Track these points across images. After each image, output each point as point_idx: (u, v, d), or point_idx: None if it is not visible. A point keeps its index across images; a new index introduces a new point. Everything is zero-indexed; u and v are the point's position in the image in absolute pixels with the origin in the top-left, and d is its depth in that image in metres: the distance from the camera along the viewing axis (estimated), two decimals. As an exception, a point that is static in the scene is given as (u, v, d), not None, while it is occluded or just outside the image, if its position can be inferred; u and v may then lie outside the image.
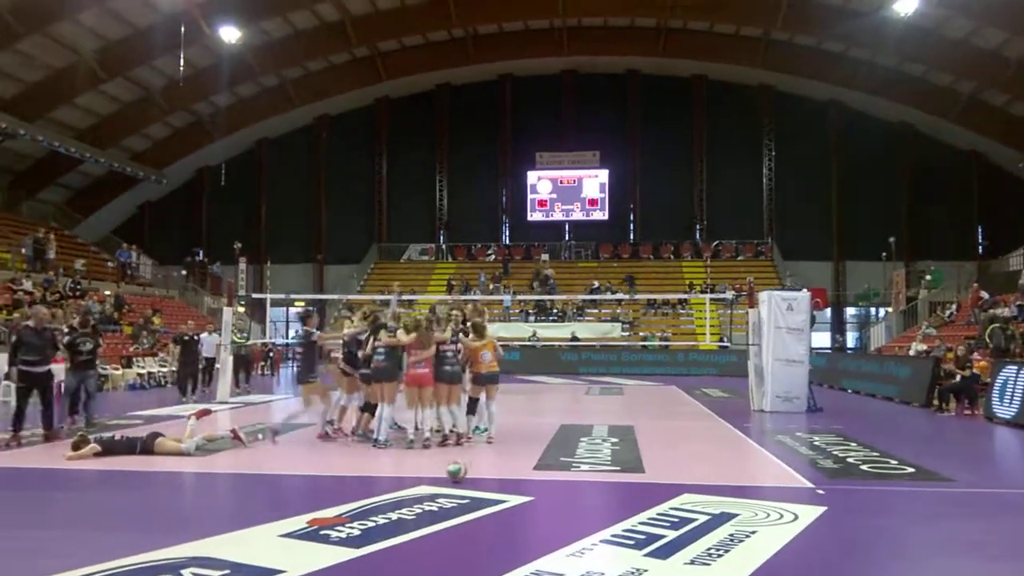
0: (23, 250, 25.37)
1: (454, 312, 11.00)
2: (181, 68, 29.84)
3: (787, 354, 14.63)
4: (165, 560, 4.93)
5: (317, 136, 40.55)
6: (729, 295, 21.24)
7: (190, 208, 41.13)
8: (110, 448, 9.03)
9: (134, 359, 21.75)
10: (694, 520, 6.11)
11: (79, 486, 7.85)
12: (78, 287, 25.45)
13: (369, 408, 10.26)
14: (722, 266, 36.44)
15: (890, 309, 33.52)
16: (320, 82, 37.40)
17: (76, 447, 8.92)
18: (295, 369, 10.98)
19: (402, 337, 9.61)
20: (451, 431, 10.07)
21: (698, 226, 39.03)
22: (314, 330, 10.73)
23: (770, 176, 38.50)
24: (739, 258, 37.64)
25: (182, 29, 28.32)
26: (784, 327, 14.63)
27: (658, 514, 6.29)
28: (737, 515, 6.26)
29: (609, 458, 9.13)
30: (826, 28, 31.93)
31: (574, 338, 29.03)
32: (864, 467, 8.66)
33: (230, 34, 29.66)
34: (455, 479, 7.47)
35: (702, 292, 31.58)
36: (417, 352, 9.60)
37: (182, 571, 4.71)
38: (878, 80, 34.18)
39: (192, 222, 40.97)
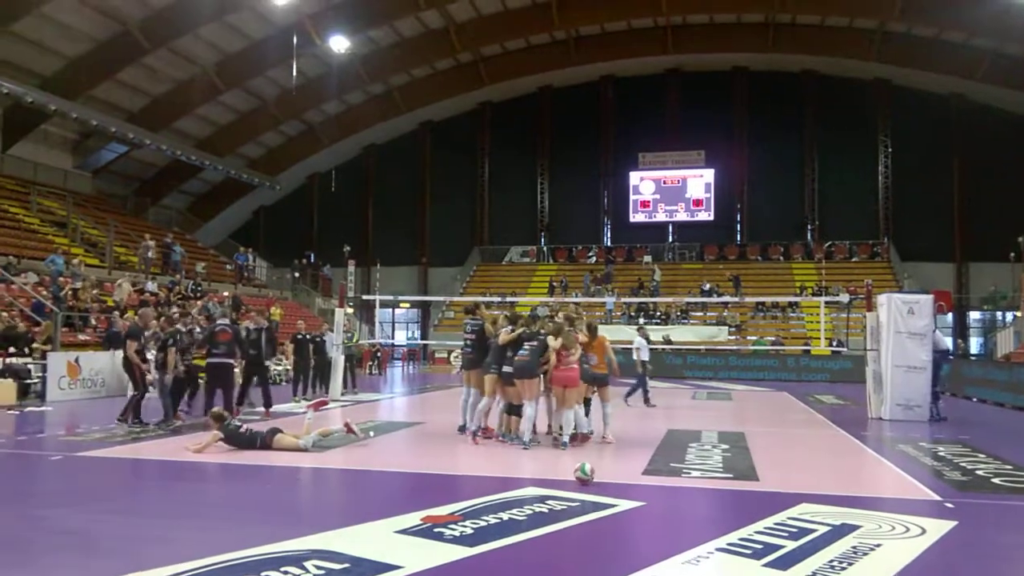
0: (148, 253, 26.85)
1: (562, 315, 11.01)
2: (294, 78, 30.97)
3: (908, 360, 13.95)
4: (288, 552, 5.09)
5: (421, 141, 41.39)
6: (844, 298, 20.40)
7: (302, 212, 42.71)
8: (233, 438, 9.43)
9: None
10: (814, 531, 5.88)
11: (208, 478, 8.23)
12: (199, 288, 26.70)
13: (514, 410, 10.09)
14: (835, 268, 35.16)
15: (1019, 313, 31.54)
16: (425, 88, 38.15)
17: (207, 426, 9.52)
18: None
19: (551, 342, 9.69)
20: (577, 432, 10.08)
21: (809, 226, 37.82)
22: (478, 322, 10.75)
23: (886, 174, 36.94)
24: (853, 259, 36.27)
25: (295, 40, 29.41)
26: (905, 331, 13.96)
27: (775, 524, 6.09)
28: (859, 527, 6.00)
29: (721, 465, 8.91)
30: (947, 17, 30.41)
31: (667, 341, 28.64)
32: (996, 480, 8.15)
33: (339, 44, 30.61)
34: (584, 481, 7.44)
35: (814, 295, 30.57)
36: (566, 355, 9.68)
37: (304, 563, 4.85)
38: (1004, 71, 32.32)
39: (303, 226, 42.49)
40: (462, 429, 10.90)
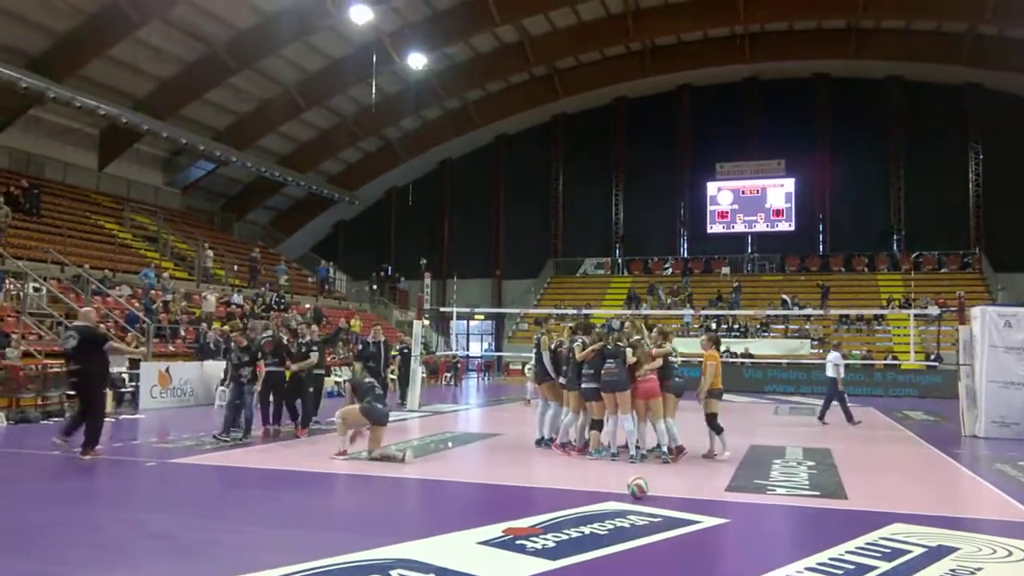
0: (207, 263, 27.61)
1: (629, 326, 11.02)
2: (373, 95, 31.63)
3: (1004, 375, 13.33)
4: (374, 560, 5.17)
5: (496, 154, 41.70)
6: (933, 310, 19.65)
7: (379, 226, 43.50)
8: (372, 415, 9.73)
9: (331, 368, 23.08)
10: (908, 552, 5.67)
11: (293, 487, 8.42)
12: (282, 301, 27.41)
13: (596, 426, 10.05)
14: (923, 279, 33.88)
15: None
16: (500, 102, 38.46)
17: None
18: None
19: (630, 355, 9.77)
20: (671, 446, 9.97)
21: (895, 236, 36.58)
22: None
23: (977, 181, 35.49)
24: (942, 270, 34.89)
25: (374, 59, 30.05)
26: (1001, 346, 13.35)
27: (867, 544, 5.89)
28: (957, 549, 5.76)
29: (807, 482, 8.67)
30: (1043, 18, 29.05)
31: (726, 352, 28.13)
32: (1106, 503, 7.72)
33: (417, 61, 31.08)
34: (636, 495, 7.38)
35: (901, 307, 29.59)
36: (641, 365, 9.75)
37: (390, 572, 4.93)
38: (1108, 71, 30.67)
39: (381, 239, 43.26)
40: (539, 442, 10.92)
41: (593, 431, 10.09)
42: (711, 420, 10.28)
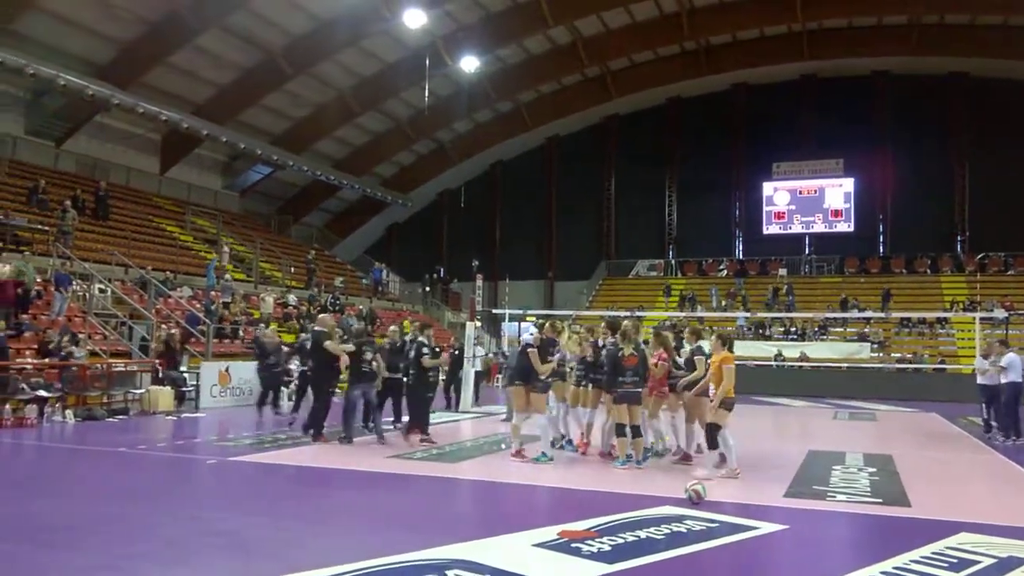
0: (225, 260, 27.82)
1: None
2: (426, 99, 31.86)
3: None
4: (431, 560, 5.20)
5: (548, 156, 41.64)
6: (1000, 313, 19.03)
7: (432, 228, 43.77)
8: None
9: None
10: (977, 563, 5.50)
11: (350, 485, 8.55)
12: (337, 302, 27.79)
13: (622, 431, 9.39)
14: (989, 281, 32.80)
15: None
16: (552, 104, 38.37)
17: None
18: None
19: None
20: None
21: (959, 237, 35.50)
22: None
23: (1047, 180, 34.23)
24: (1009, 272, 33.70)
25: (427, 62, 30.27)
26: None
27: (933, 553, 5.73)
28: (1029, 561, 5.56)
29: (868, 489, 8.46)
30: (1117, 9, 27.94)
31: (779, 356, 27.67)
32: None
33: (470, 64, 31.21)
34: (693, 500, 7.29)
35: (966, 310, 28.72)
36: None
37: (447, 572, 4.95)
38: None
39: (434, 241, 43.54)
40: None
41: (621, 438, 9.43)
42: (713, 431, 8.95)
